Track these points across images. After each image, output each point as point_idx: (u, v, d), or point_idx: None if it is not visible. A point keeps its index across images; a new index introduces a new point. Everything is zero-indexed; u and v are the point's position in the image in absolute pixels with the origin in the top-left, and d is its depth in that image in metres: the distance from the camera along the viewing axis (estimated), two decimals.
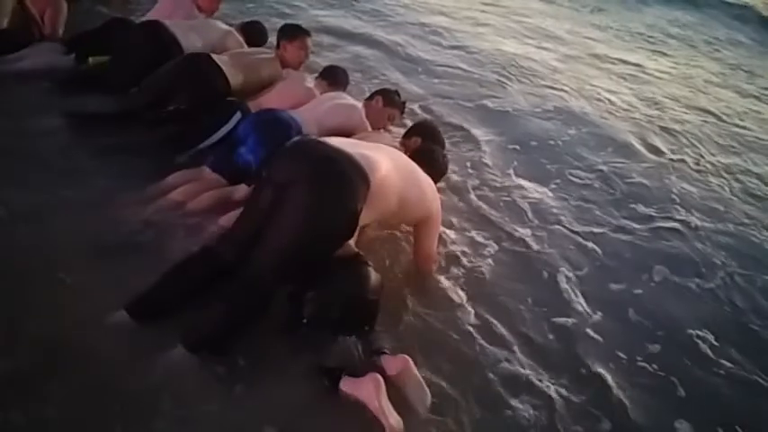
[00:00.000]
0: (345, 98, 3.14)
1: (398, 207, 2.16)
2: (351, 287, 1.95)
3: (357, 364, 1.79)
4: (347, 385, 1.75)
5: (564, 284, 2.58)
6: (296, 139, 2.41)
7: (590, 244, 2.95)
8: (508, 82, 5.09)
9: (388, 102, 3.17)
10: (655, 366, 2.22)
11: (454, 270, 2.55)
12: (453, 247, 2.70)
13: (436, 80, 4.87)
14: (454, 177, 3.30)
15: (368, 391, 1.70)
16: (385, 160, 2.08)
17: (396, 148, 2.60)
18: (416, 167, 2.34)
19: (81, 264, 2.05)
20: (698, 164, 4.08)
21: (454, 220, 2.92)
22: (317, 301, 1.91)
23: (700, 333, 2.44)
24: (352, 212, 1.93)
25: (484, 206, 3.11)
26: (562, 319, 2.37)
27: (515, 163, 3.67)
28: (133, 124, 2.95)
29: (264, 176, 2.03)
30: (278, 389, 1.78)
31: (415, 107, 4.16)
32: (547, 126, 4.30)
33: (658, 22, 8.40)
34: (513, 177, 3.49)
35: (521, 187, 3.39)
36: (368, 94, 3.33)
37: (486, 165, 3.58)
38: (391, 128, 3.30)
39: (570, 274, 2.65)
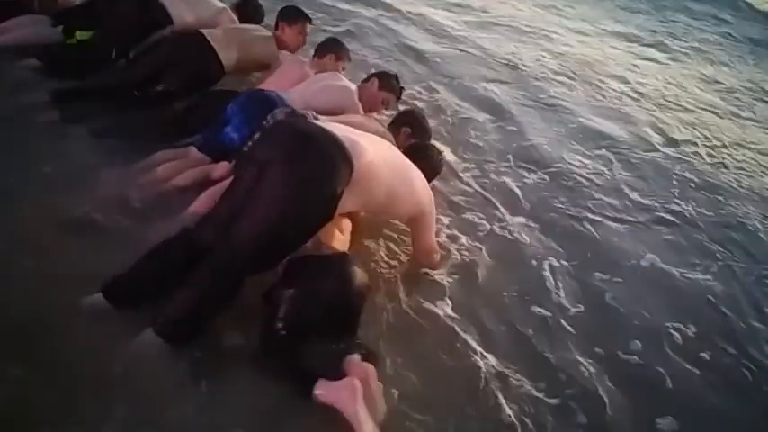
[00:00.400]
0: (339, 79, 2.99)
1: (387, 201, 2.09)
2: (333, 287, 1.86)
3: (332, 368, 1.71)
4: (323, 389, 1.67)
5: (549, 273, 2.53)
6: (279, 112, 2.34)
7: (584, 232, 2.92)
8: (515, 67, 5.03)
9: (384, 85, 2.99)
10: (636, 360, 2.18)
11: (442, 258, 2.48)
12: (444, 234, 2.65)
13: (439, 60, 4.80)
14: (450, 161, 3.24)
15: (345, 396, 1.63)
16: (373, 149, 2.00)
17: (383, 134, 2.52)
18: (409, 163, 2.25)
19: (56, 243, 2.00)
20: (699, 155, 4.02)
21: (447, 205, 2.87)
22: (296, 300, 1.80)
23: (682, 326, 2.39)
24: (332, 194, 1.85)
25: (479, 191, 3.07)
26: (545, 311, 2.32)
27: (514, 146, 3.64)
28: (121, 102, 2.89)
29: (247, 154, 1.97)
30: (248, 389, 1.70)
31: (418, 87, 4.11)
32: (550, 113, 4.26)
33: (674, 8, 8.25)
34: (512, 163, 3.45)
35: (517, 173, 3.35)
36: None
37: (484, 149, 3.54)
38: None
39: (558, 264, 2.60)
